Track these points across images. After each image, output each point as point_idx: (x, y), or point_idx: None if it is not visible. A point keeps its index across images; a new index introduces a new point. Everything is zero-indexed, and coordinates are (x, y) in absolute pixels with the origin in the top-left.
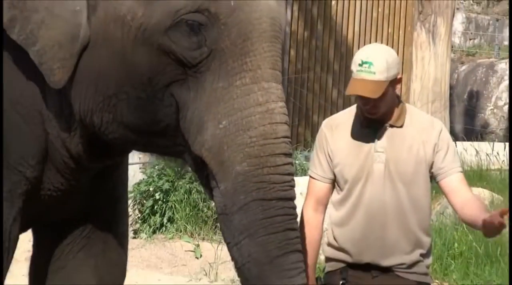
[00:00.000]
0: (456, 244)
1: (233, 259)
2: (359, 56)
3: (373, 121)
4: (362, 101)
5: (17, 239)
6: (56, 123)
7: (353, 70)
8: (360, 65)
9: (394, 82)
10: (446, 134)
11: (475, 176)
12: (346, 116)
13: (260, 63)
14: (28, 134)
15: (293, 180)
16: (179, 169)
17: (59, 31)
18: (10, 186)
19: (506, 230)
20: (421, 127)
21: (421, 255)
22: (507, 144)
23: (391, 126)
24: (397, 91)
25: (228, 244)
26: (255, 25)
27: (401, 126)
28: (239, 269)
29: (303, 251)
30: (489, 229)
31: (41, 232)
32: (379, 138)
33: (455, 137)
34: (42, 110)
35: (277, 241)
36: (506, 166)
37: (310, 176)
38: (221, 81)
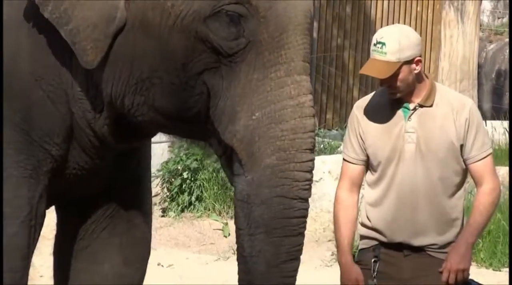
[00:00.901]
0: None
1: (239, 245)
2: (376, 36)
3: (402, 101)
4: (379, 81)
5: (44, 216)
6: (81, 104)
7: (370, 49)
8: (374, 45)
9: (411, 62)
10: (477, 112)
11: (503, 155)
12: (377, 98)
13: (294, 56)
14: (53, 111)
15: (312, 177)
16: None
17: (94, 11)
18: (35, 163)
19: None
20: (452, 106)
21: (453, 235)
22: None
23: (421, 106)
24: (419, 70)
25: (240, 230)
26: (292, 19)
27: (431, 106)
28: (244, 257)
29: (340, 231)
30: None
31: (65, 211)
32: (409, 119)
33: (484, 115)
34: (67, 89)
35: (289, 245)
36: None
37: (344, 159)
38: (256, 72)
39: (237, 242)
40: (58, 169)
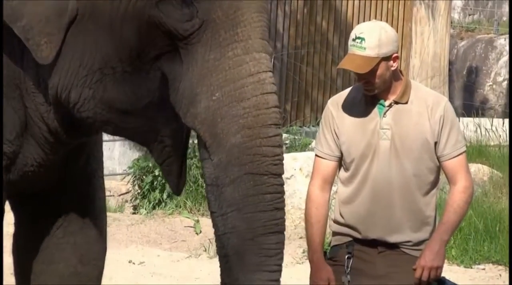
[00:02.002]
0: None
1: (214, 226)
2: (354, 31)
3: (378, 98)
4: (356, 76)
5: (2, 214)
6: (34, 97)
7: (349, 45)
8: (353, 40)
9: (389, 59)
10: (451, 110)
11: (474, 152)
12: (352, 94)
13: (251, 33)
14: (5, 108)
15: (282, 152)
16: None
17: (45, 5)
18: None
19: (505, 206)
20: (426, 103)
21: (427, 232)
22: (506, 120)
23: (396, 102)
24: (396, 67)
25: (213, 213)
26: None
27: (406, 103)
28: (219, 236)
29: (311, 228)
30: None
31: (20, 210)
32: (384, 115)
33: (455, 112)
34: (20, 84)
35: (264, 219)
36: (504, 142)
37: (316, 155)
38: (213, 52)
39: (213, 227)
40: (13, 165)
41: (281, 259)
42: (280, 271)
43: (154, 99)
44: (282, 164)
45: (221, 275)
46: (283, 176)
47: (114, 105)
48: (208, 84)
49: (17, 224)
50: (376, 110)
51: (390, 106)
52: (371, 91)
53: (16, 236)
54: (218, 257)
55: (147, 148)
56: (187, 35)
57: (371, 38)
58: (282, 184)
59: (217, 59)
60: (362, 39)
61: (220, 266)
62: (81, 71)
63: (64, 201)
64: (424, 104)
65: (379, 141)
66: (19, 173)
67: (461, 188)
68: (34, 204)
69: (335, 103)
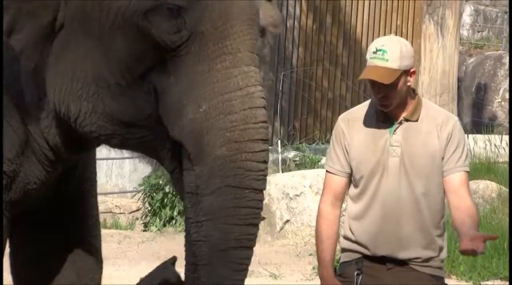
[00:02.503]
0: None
1: (186, 231)
2: (374, 44)
3: (389, 115)
4: (375, 90)
5: (7, 233)
6: (34, 114)
7: (367, 58)
8: (374, 52)
9: (407, 73)
10: (460, 130)
11: (483, 168)
12: (363, 111)
13: (240, 46)
14: (5, 127)
15: (267, 168)
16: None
17: (34, 15)
18: None
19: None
20: (436, 122)
21: (436, 249)
22: None
23: (407, 120)
24: (411, 84)
25: (188, 219)
26: (234, 8)
27: (416, 120)
28: (190, 242)
29: (322, 245)
30: (465, 249)
31: (15, 229)
32: (394, 132)
33: (464, 129)
34: (19, 103)
35: (238, 233)
36: None
37: (327, 171)
38: (201, 64)
39: (185, 231)
40: (15, 184)
41: (246, 274)
42: None
43: (153, 110)
44: (265, 180)
45: (186, 282)
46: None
47: (117, 118)
48: (196, 96)
49: (15, 241)
50: (386, 127)
51: (400, 123)
52: (388, 107)
53: (13, 254)
54: (185, 265)
55: (156, 158)
56: (175, 47)
57: (392, 50)
58: (261, 200)
59: (205, 71)
60: (384, 51)
61: (186, 274)
62: (75, 84)
63: (60, 219)
64: (434, 123)
65: (388, 158)
66: (21, 192)
67: (471, 203)
68: (29, 221)
69: (346, 119)
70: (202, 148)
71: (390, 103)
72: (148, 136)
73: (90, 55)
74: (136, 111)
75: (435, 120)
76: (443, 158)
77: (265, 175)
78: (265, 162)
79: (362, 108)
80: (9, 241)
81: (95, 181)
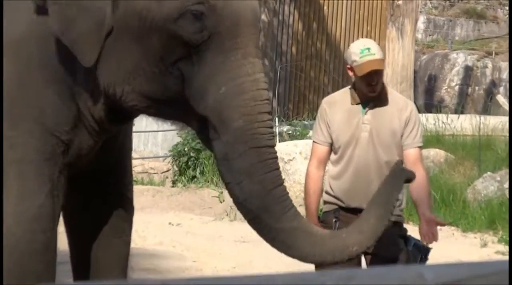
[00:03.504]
0: None
1: (233, 195)
2: (356, 46)
3: (362, 99)
4: (372, 79)
5: (64, 188)
6: (83, 96)
7: (356, 59)
8: (361, 52)
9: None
10: (416, 113)
11: (433, 140)
12: (341, 96)
13: (248, 43)
14: (61, 106)
15: (274, 132)
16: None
17: (88, 21)
18: (50, 148)
19: (457, 181)
20: (398, 106)
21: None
22: (458, 115)
23: (375, 104)
24: None
25: (228, 184)
26: (243, 14)
27: (382, 105)
28: (240, 203)
29: (309, 198)
30: (425, 235)
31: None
32: (365, 113)
33: (418, 110)
34: (72, 86)
35: (271, 177)
36: (457, 132)
37: (314, 142)
38: (219, 57)
39: (230, 195)
40: (70, 150)
41: (291, 200)
42: (295, 206)
43: (179, 91)
44: (274, 139)
45: (260, 233)
46: (285, 159)
47: (150, 96)
48: (215, 81)
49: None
50: (359, 108)
51: (370, 106)
52: (376, 91)
53: (66, 205)
54: (248, 222)
55: (186, 125)
56: (198, 44)
57: (373, 46)
58: (276, 153)
59: (222, 62)
60: (369, 48)
61: (256, 227)
62: (119, 72)
63: (104, 175)
64: (396, 107)
65: (360, 133)
66: (75, 156)
67: (425, 175)
68: (80, 180)
69: (328, 102)
70: (224, 121)
71: (378, 87)
72: (177, 110)
73: (132, 51)
74: (164, 91)
75: (396, 104)
76: (402, 136)
77: (273, 136)
78: (271, 127)
79: (340, 94)
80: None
81: (131, 149)
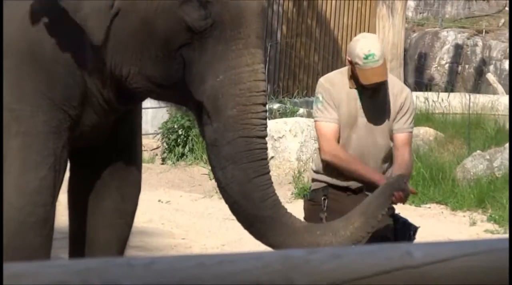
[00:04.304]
0: None
1: (216, 180)
2: (361, 50)
3: (360, 85)
4: (371, 87)
5: (66, 162)
6: (92, 74)
7: (359, 63)
8: (365, 58)
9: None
10: (411, 98)
11: (423, 118)
12: (339, 78)
13: (250, 33)
14: (70, 82)
15: (267, 123)
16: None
17: (98, 2)
18: (57, 122)
19: (446, 160)
20: (394, 92)
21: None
22: (448, 94)
23: (373, 92)
24: None
25: (214, 167)
26: (247, 5)
27: (380, 91)
28: (222, 188)
29: (356, 165)
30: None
31: (77, 160)
32: (363, 98)
33: (409, 88)
34: (81, 65)
35: (255, 166)
36: (447, 111)
37: (323, 122)
38: (220, 45)
39: (215, 180)
40: (76, 125)
41: (274, 188)
42: (277, 196)
43: (181, 76)
44: (266, 130)
45: (238, 219)
46: (275, 136)
47: (153, 79)
48: (215, 69)
49: (73, 169)
50: (358, 93)
51: (368, 92)
52: (372, 85)
53: (72, 178)
54: (229, 207)
55: (185, 107)
56: (201, 31)
57: (377, 50)
58: (266, 143)
59: (223, 50)
60: (373, 54)
61: (234, 213)
62: (126, 52)
63: (113, 154)
64: (391, 92)
65: (358, 117)
66: (79, 131)
67: (409, 157)
68: (89, 155)
69: (328, 81)
70: (218, 108)
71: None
72: (177, 94)
73: (139, 33)
74: (169, 76)
75: (392, 90)
76: (394, 120)
77: (266, 127)
78: (265, 118)
79: (337, 75)
80: (69, 169)
81: (141, 128)
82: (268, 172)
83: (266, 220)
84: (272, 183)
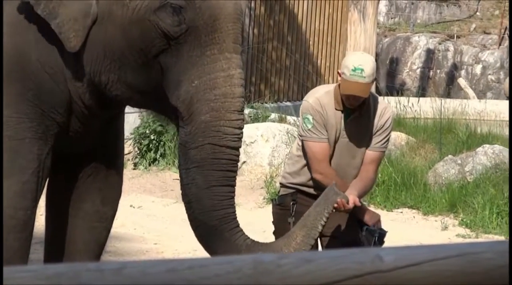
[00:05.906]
0: (379, 175)
1: (180, 176)
2: (351, 62)
3: (345, 106)
4: (353, 99)
5: (49, 169)
6: (74, 82)
7: (346, 73)
8: (353, 70)
9: (372, 83)
10: (391, 120)
11: (395, 123)
12: (328, 99)
13: (225, 38)
14: (56, 89)
15: (242, 133)
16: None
17: (74, 8)
18: (44, 128)
19: (417, 164)
20: (376, 114)
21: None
22: (419, 98)
23: (356, 115)
24: None
25: (179, 165)
26: (222, 9)
27: (364, 113)
28: (183, 186)
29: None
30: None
31: (58, 164)
32: (346, 120)
33: (380, 92)
34: (63, 71)
35: (218, 176)
36: (418, 115)
37: (316, 142)
38: (195, 50)
39: (179, 177)
40: (61, 132)
41: (233, 202)
42: (233, 210)
43: (159, 83)
44: (240, 141)
45: (188, 218)
46: (247, 142)
47: (133, 87)
48: (190, 74)
49: (53, 172)
50: (342, 115)
51: (352, 114)
52: (354, 105)
53: (51, 182)
54: (184, 205)
55: (164, 115)
56: (176, 37)
57: (368, 68)
58: (237, 155)
59: (198, 55)
60: (362, 69)
61: (186, 211)
62: (105, 60)
63: (95, 158)
64: (375, 114)
65: (340, 138)
66: (64, 136)
67: (373, 175)
68: (71, 160)
69: (318, 104)
70: (192, 113)
71: (357, 103)
72: (156, 101)
73: (116, 40)
74: (148, 82)
75: (375, 112)
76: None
77: (240, 137)
78: (240, 128)
79: (326, 96)
80: (51, 174)
81: (123, 133)
82: (232, 185)
83: (211, 230)
84: (233, 196)
